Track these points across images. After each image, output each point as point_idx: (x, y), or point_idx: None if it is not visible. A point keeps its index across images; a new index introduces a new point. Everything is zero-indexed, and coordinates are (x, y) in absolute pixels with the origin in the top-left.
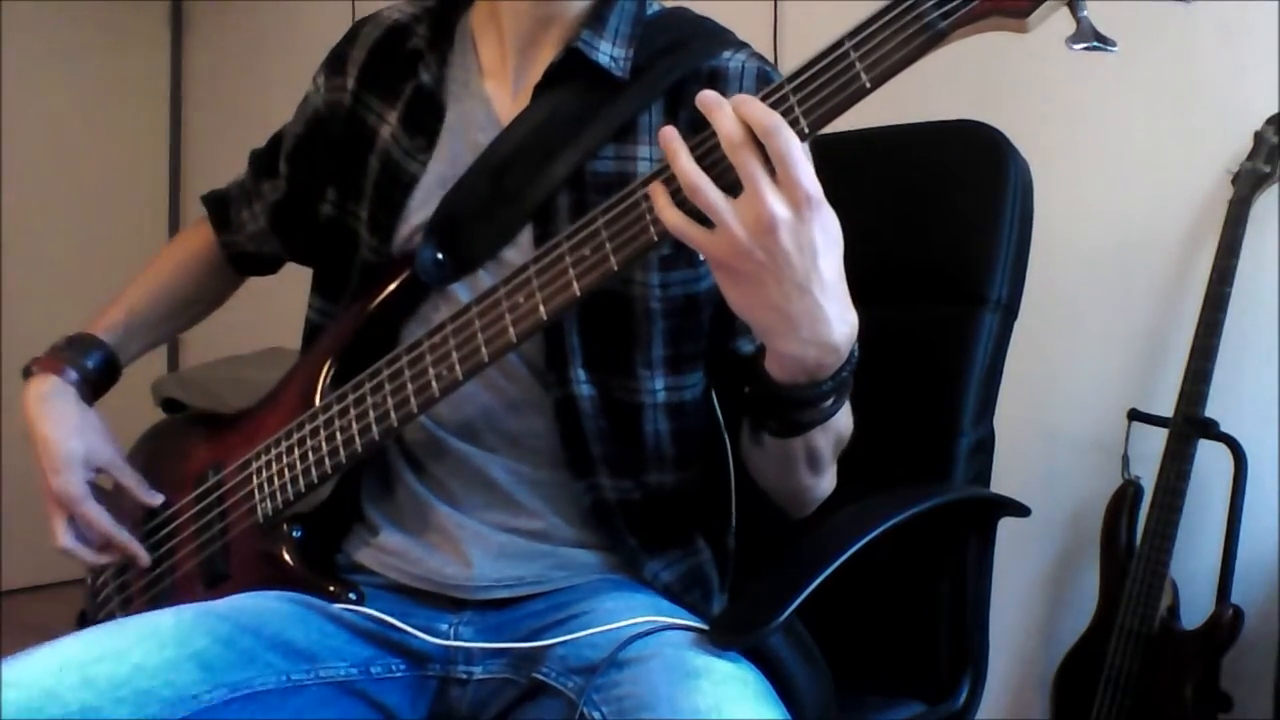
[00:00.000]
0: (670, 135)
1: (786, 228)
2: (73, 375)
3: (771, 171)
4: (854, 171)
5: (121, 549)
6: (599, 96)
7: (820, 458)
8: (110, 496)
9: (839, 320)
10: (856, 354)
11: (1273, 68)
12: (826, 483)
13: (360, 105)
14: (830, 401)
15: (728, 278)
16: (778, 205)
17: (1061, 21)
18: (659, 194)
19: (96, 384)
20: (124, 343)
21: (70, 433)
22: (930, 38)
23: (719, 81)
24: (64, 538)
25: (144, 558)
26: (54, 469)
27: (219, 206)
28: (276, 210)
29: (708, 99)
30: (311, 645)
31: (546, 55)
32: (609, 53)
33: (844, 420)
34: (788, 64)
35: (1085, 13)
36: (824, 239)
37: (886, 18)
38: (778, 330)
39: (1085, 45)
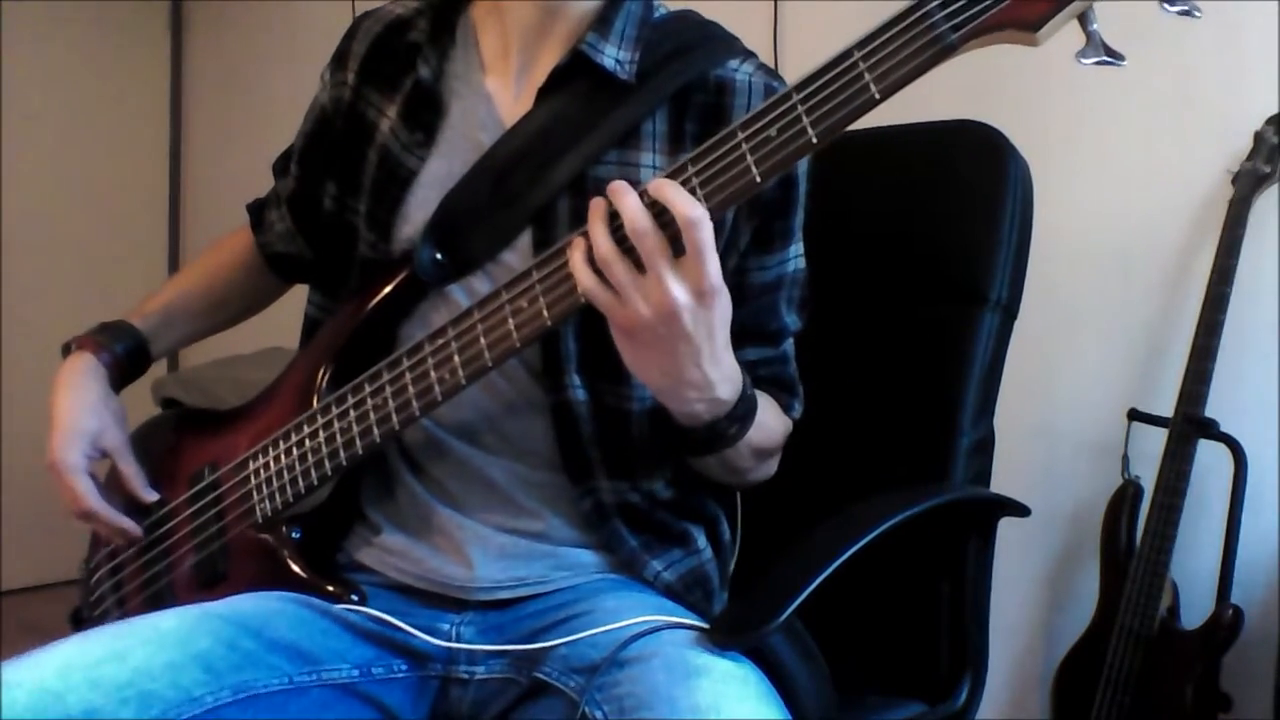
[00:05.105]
0: (595, 202)
1: (689, 312)
2: (105, 358)
3: (676, 255)
4: (855, 171)
5: (108, 524)
6: (603, 100)
7: (739, 465)
8: (107, 491)
9: (723, 381)
10: (749, 389)
11: (1273, 68)
12: (760, 473)
13: (360, 99)
14: (734, 430)
15: (626, 342)
16: (681, 293)
17: (1066, 25)
18: (577, 249)
19: (126, 370)
20: (157, 334)
21: (87, 408)
22: (941, 50)
23: (726, 94)
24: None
25: (134, 531)
26: (59, 437)
27: (257, 210)
28: (292, 208)
29: (616, 188)
30: (313, 647)
31: (550, 55)
32: (614, 56)
33: (758, 435)
34: (788, 64)
35: (1095, 26)
36: (719, 319)
37: (896, 29)
38: (669, 392)
39: (1095, 60)
